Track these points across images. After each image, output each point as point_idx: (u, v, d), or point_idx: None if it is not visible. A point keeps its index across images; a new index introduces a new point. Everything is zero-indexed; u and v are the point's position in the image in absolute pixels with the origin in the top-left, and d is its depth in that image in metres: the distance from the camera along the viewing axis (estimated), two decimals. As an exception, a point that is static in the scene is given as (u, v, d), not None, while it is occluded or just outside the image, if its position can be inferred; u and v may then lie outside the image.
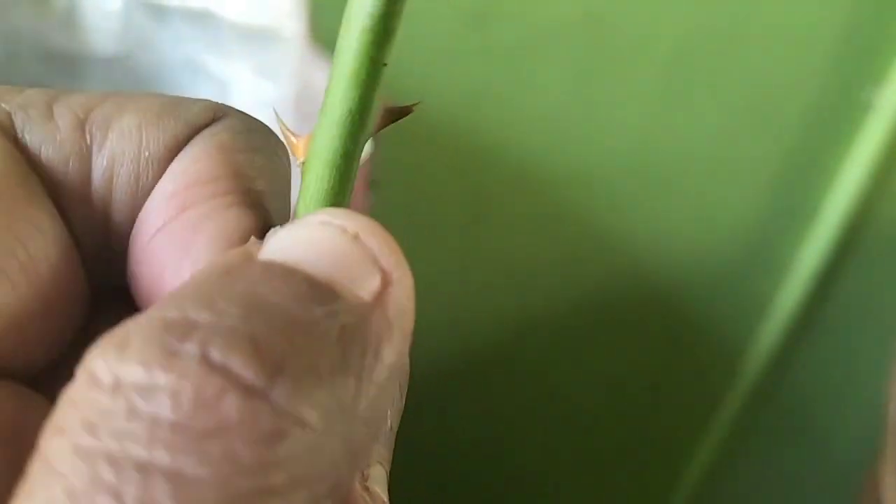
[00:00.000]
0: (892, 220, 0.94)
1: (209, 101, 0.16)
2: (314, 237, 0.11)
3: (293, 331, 0.09)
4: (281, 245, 0.11)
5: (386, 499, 0.12)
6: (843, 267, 0.96)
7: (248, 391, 0.08)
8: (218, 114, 0.16)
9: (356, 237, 0.11)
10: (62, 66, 0.51)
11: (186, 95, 0.49)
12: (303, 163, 0.14)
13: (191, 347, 0.09)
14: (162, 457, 0.08)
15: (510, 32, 0.64)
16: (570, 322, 0.90)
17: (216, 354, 0.09)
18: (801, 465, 1.19)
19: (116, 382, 0.09)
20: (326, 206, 0.13)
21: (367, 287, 0.11)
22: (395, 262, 0.12)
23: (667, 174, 0.80)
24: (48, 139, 0.14)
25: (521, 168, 0.74)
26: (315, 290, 0.10)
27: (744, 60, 0.74)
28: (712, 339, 0.99)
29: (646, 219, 0.83)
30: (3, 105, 0.14)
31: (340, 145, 0.13)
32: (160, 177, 0.14)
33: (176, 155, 0.15)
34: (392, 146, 0.69)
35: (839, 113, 0.83)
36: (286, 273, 0.10)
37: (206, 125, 0.16)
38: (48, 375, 0.13)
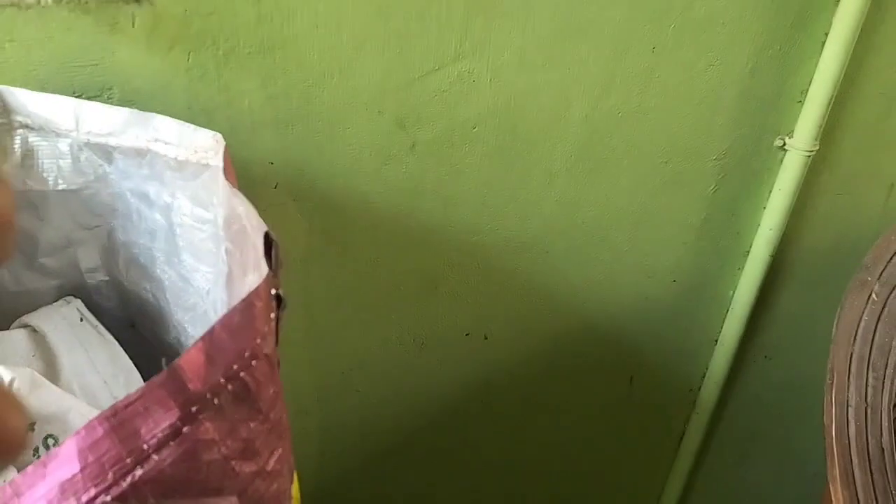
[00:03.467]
0: (814, 250, 0.96)
1: None
2: None
3: None
4: None
5: None
6: (777, 295, 0.99)
7: None
8: None
9: None
10: (24, 203, 0.54)
11: (139, 217, 0.51)
12: None
13: None
14: None
15: (431, 130, 0.67)
16: (531, 375, 0.91)
17: None
18: (770, 482, 1.19)
19: None
20: None
21: None
22: None
23: (597, 233, 0.82)
24: None
25: (464, 243, 0.77)
26: None
27: (651, 125, 0.77)
28: (669, 374, 1.01)
29: (586, 274, 0.85)
30: None
31: None
32: None
33: None
34: (348, 236, 0.71)
35: (753, 160, 0.86)
36: None
37: None
38: None
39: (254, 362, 0.37)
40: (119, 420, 0.33)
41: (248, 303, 0.37)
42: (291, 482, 0.43)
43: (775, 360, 1.05)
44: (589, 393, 0.97)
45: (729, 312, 0.97)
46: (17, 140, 0.52)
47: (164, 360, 0.57)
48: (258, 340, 0.37)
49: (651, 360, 0.98)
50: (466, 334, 0.84)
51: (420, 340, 0.82)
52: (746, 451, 1.13)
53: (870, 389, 0.77)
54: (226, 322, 0.36)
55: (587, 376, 0.95)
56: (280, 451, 0.40)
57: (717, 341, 0.99)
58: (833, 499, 0.73)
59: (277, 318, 0.41)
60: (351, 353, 0.79)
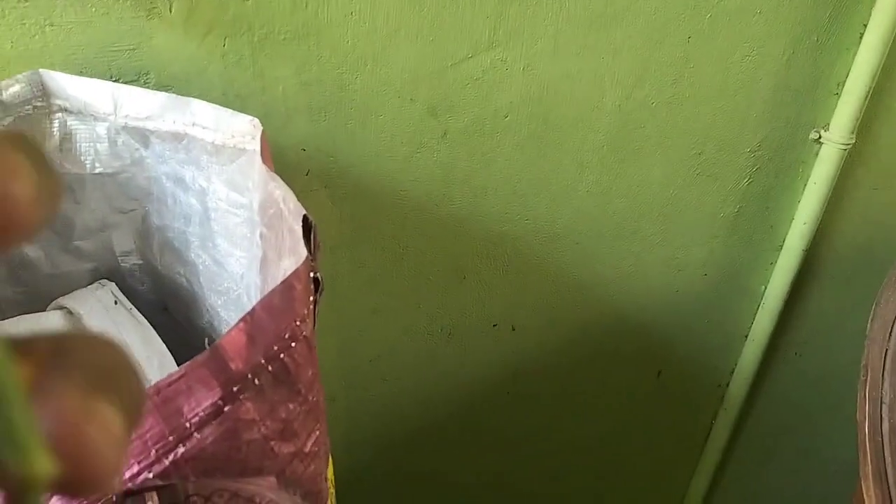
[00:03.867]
0: (848, 246, 0.95)
1: None
2: None
3: None
4: None
5: None
6: (809, 291, 0.97)
7: None
8: None
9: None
10: (65, 185, 0.55)
11: (174, 201, 0.52)
12: None
13: None
14: None
15: (463, 119, 0.67)
16: (559, 368, 0.91)
17: None
18: (798, 479, 1.18)
19: None
20: None
21: None
22: None
23: (628, 225, 0.82)
24: None
25: (494, 232, 0.76)
26: None
27: (684, 118, 0.76)
28: (698, 369, 1.00)
29: (616, 266, 0.85)
30: None
31: None
32: None
33: None
34: (378, 223, 0.71)
35: (788, 154, 0.85)
36: None
37: None
38: None
39: (293, 344, 0.37)
40: (162, 398, 0.33)
41: (287, 285, 0.37)
42: (327, 464, 0.43)
43: (805, 356, 1.04)
44: (616, 386, 0.97)
45: (760, 307, 0.96)
46: (56, 123, 0.52)
47: (206, 341, 0.57)
48: (297, 322, 0.37)
49: (680, 354, 0.97)
50: (494, 325, 0.84)
51: (447, 330, 0.82)
52: (774, 447, 1.12)
53: (905, 386, 0.76)
54: (266, 303, 0.36)
55: (615, 369, 0.95)
56: (317, 432, 0.40)
57: (747, 336, 0.98)
58: (865, 496, 0.72)
59: (315, 301, 0.41)
60: (379, 340, 0.79)
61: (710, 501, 1.15)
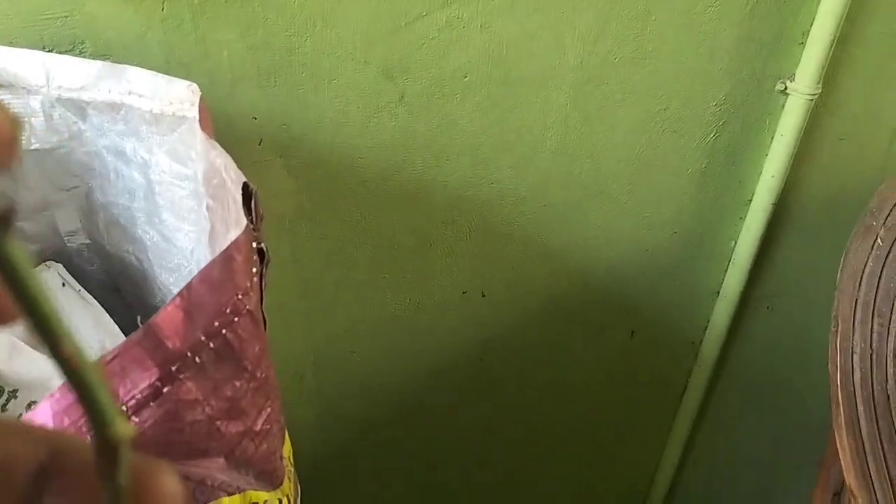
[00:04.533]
0: (817, 199, 0.94)
1: None
2: None
3: None
4: None
5: None
6: (779, 246, 0.97)
7: None
8: None
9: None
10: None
11: (116, 176, 0.49)
12: None
13: None
14: None
15: (420, 80, 0.65)
16: (531, 330, 0.90)
17: None
18: (774, 431, 1.19)
19: None
20: None
21: None
22: None
23: (596, 184, 0.80)
24: None
25: (458, 196, 0.74)
26: None
27: (649, 71, 0.74)
28: (671, 326, 1.00)
29: (585, 226, 0.83)
30: None
31: None
32: None
33: None
34: (337, 192, 0.69)
35: (755, 106, 0.83)
36: None
37: None
38: None
39: (236, 319, 0.35)
40: (94, 381, 0.31)
41: (227, 256, 0.35)
42: (282, 443, 0.41)
43: (777, 311, 1.04)
44: (589, 348, 0.96)
45: (730, 263, 0.95)
46: (-15, 98, 0.49)
47: (139, 318, 0.55)
48: (240, 296, 0.35)
49: (652, 313, 0.96)
50: (463, 292, 0.82)
51: (416, 300, 0.80)
52: (749, 402, 1.12)
53: (875, 336, 0.76)
54: (204, 277, 0.34)
55: (588, 331, 0.94)
56: (269, 410, 0.38)
57: (718, 293, 0.98)
58: (839, 447, 0.72)
59: (261, 274, 0.39)
60: (345, 314, 0.78)
61: (687, 458, 1.16)
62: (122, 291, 0.59)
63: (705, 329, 1.01)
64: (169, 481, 0.16)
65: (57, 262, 0.55)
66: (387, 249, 0.75)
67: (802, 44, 0.81)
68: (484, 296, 0.84)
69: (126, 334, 0.53)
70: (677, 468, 1.14)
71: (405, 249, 0.76)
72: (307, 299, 0.75)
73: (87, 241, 0.57)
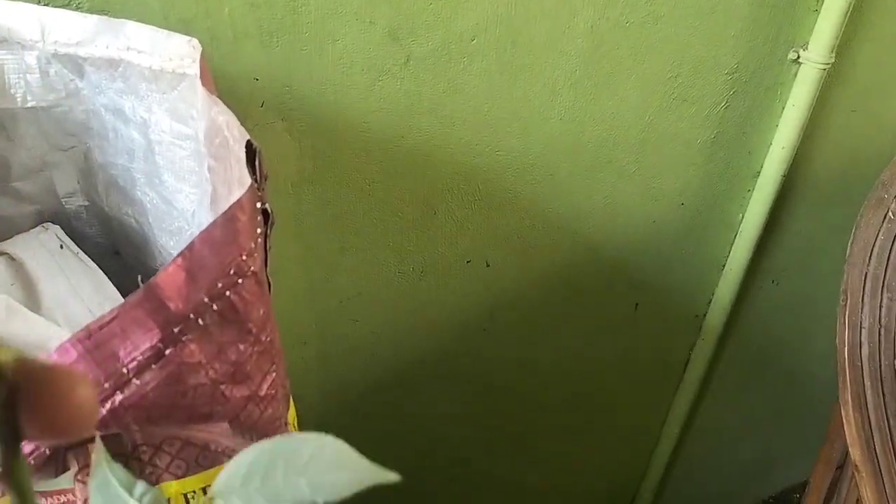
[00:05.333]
0: (826, 171, 0.93)
1: None
2: None
3: None
4: None
5: None
6: (786, 219, 0.96)
7: None
8: None
9: None
10: (-4, 124, 0.51)
11: (115, 136, 0.48)
12: None
13: None
14: None
15: (427, 42, 0.63)
16: (535, 300, 0.89)
17: None
18: (776, 405, 1.19)
19: None
20: None
21: None
22: None
23: (603, 153, 0.78)
24: None
25: (464, 164, 0.73)
26: None
27: (661, 36, 0.72)
28: (676, 298, 0.99)
29: (591, 196, 0.82)
30: None
31: None
32: None
33: None
34: (341, 157, 0.68)
35: (766, 75, 0.81)
36: None
37: None
38: None
39: (240, 280, 0.34)
40: (94, 342, 0.30)
41: (230, 216, 0.34)
42: (287, 408, 0.40)
43: (783, 284, 1.03)
44: (593, 320, 0.95)
45: (737, 236, 0.94)
46: (-21, 52, 0.48)
47: (139, 279, 0.54)
48: (243, 257, 0.34)
49: (657, 285, 0.95)
50: (468, 261, 0.81)
51: (420, 268, 0.79)
52: (752, 376, 1.12)
53: (884, 310, 0.75)
54: (206, 237, 0.33)
55: (591, 302, 0.93)
56: (273, 374, 0.37)
57: (724, 266, 0.97)
58: (844, 422, 0.72)
59: (265, 235, 0.38)
60: (349, 281, 0.77)
61: (687, 432, 1.15)
62: (122, 255, 0.58)
63: (710, 302, 1.00)
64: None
65: (55, 223, 0.54)
66: (391, 216, 0.73)
67: (817, 11, 0.79)
68: (488, 265, 0.83)
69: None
70: (678, 440, 1.14)
71: (409, 216, 0.75)
72: (309, 265, 0.73)
73: (86, 203, 0.55)
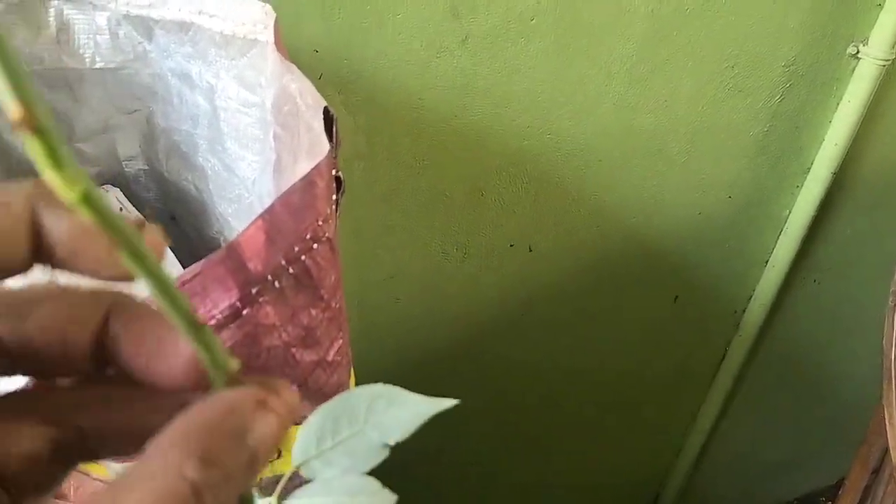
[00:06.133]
0: (877, 170, 0.92)
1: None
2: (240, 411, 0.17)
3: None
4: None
5: None
6: (833, 217, 0.94)
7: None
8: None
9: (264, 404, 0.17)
10: (60, 83, 0.51)
11: (180, 101, 0.48)
12: None
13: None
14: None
15: (486, 20, 0.63)
16: (575, 287, 0.89)
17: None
18: (807, 406, 1.18)
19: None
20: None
21: (269, 430, 0.17)
22: (284, 414, 0.18)
23: (653, 142, 0.78)
24: None
25: (514, 146, 0.73)
26: (250, 443, 0.17)
27: (720, 25, 0.72)
28: (715, 293, 0.98)
29: (638, 185, 0.81)
30: None
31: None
32: None
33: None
34: (394, 133, 0.68)
35: (824, 70, 0.80)
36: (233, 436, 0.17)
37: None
38: None
39: (315, 245, 0.34)
40: (175, 298, 0.31)
41: (309, 181, 0.34)
42: (349, 376, 0.41)
43: (825, 284, 1.02)
44: (632, 310, 0.95)
45: (782, 233, 0.93)
46: (52, 12, 0.48)
47: (221, 240, 0.54)
48: (320, 222, 0.34)
49: (698, 278, 0.95)
50: (511, 245, 0.81)
51: (463, 249, 0.79)
52: (787, 375, 1.11)
53: (934, 312, 0.74)
54: (286, 200, 0.33)
55: (632, 293, 0.93)
56: (340, 341, 0.37)
57: (767, 262, 0.96)
58: (888, 424, 0.71)
59: (337, 202, 0.38)
60: (392, 259, 0.77)
61: (719, 427, 1.15)
62: (179, 220, 0.58)
63: (750, 298, 1.00)
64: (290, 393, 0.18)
65: (115, 186, 0.55)
66: (439, 196, 0.73)
67: (880, 6, 0.78)
68: (531, 250, 0.82)
69: (182, 263, 0.52)
70: (708, 435, 1.13)
71: (457, 197, 0.75)
72: (355, 241, 0.74)
73: (146, 167, 0.56)
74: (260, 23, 0.44)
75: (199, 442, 0.17)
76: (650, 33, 0.69)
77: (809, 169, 0.88)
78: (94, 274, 0.17)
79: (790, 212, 0.91)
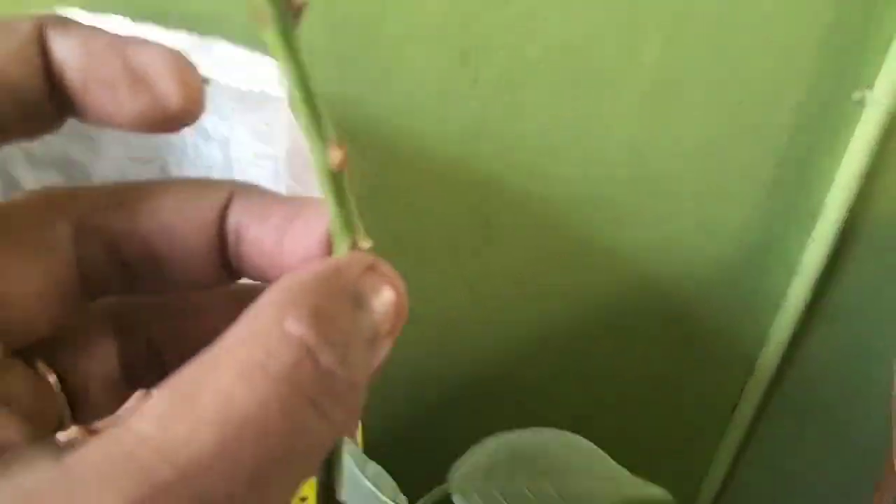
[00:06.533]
0: (889, 213, 0.92)
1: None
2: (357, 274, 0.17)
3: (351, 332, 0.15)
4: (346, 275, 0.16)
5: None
6: (846, 260, 0.94)
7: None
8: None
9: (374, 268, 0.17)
10: (80, 134, 0.53)
11: (195, 152, 0.50)
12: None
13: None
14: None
15: (496, 66, 0.64)
16: (585, 331, 0.89)
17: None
18: (822, 451, 1.16)
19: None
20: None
21: (384, 300, 0.17)
22: (397, 285, 0.17)
23: (663, 184, 0.79)
24: None
25: (523, 190, 0.74)
26: (363, 309, 0.16)
27: (728, 70, 0.73)
28: (728, 337, 0.98)
29: (648, 228, 0.82)
30: None
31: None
32: None
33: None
34: (403, 179, 0.69)
35: (831, 113, 0.81)
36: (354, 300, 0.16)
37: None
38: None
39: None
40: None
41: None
42: (356, 430, 0.41)
43: (839, 328, 1.01)
44: (642, 352, 0.95)
45: (795, 276, 0.93)
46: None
47: None
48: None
49: (709, 321, 0.95)
50: (520, 289, 0.81)
51: (473, 291, 0.80)
52: (804, 421, 1.10)
53: (949, 359, 0.73)
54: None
55: (641, 334, 0.93)
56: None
57: (780, 306, 0.96)
58: (902, 472, 0.70)
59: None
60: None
61: (734, 474, 1.13)
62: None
63: (763, 343, 0.99)
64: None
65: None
66: (446, 237, 0.74)
67: (886, 52, 0.79)
68: (540, 294, 0.83)
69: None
70: (722, 484, 1.12)
71: (465, 239, 0.76)
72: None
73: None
74: (274, 79, 0.45)
75: (306, 295, 0.14)
76: (658, 78, 0.70)
77: (820, 212, 0.88)
78: (107, 109, 0.16)
79: (803, 255, 0.91)
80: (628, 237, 0.82)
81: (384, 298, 0.17)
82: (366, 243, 0.17)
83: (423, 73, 0.62)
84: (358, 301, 0.16)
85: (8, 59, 0.15)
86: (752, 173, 0.82)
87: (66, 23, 0.16)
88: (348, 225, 0.16)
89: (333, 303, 0.15)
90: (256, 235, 0.17)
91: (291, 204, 0.18)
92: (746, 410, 1.04)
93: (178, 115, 0.16)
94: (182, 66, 0.16)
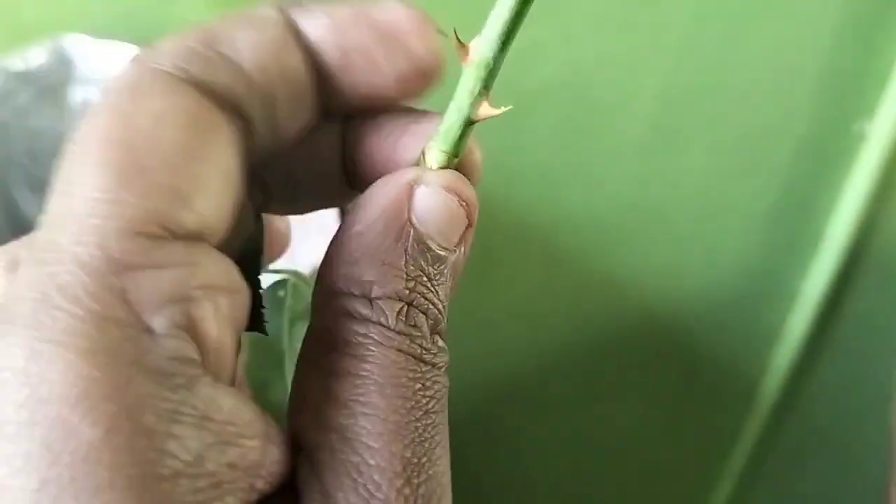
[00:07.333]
0: (889, 244, 0.92)
1: None
2: (443, 206, 0.18)
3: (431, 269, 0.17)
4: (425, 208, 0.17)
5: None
6: (847, 291, 0.95)
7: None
8: None
9: (462, 204, 0.18)
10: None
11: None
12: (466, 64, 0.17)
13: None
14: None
15: (497, 97, 0.65)
16: (584, 364, 0.89)
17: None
18: (823, 485, 1.16)
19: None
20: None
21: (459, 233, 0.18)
22: (475, 214, 0.18)
23: (664, 215, 0.79)
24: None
25: (524, 221, 0.75)
26: (444, 244, 0.18)
27: (729, 102, 0.74)
28: (727, 369, 0.98)
29: (647, 259, 0.83)
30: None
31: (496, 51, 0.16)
32: None
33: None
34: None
35: (832, 145, 0.82)
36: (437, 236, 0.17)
37: None
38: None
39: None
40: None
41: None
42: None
43: (842, 360, 1.02)
44: (641, 384, 0.95)
45: (797, 309, 0.93)
46: (78, 93, 0.51)
47: None
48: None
49: (710, 353, 0.95)
50: (519, 320, 0.82)
51: (471, 321, 0.80)
52: (806, 454, 1.09)
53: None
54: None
55: (641, 366, 0.93)
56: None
57: (781, 338, 0.96)
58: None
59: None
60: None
61: (744, 497, 1.13)
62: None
63: (765, 374, 0.99)
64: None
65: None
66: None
67: (885, 85, 0.80)
68: (540, 325, 0.83)
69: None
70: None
71: (466, 270, 0.76)
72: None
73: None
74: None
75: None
76: (659, 111, 0.71)
77: (822, 245, 0.89)
78: (367, 78, 0.16)
79: (804, 286, 0.92)
80: (628, 268, 0.82)
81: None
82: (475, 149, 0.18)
83: (425, 105, 0.63)
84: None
85: (275, 49, 0.15)
86: (752, 206, 0.83)
87: (299, 3, 0.16)
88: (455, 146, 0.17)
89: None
90: (371, 145, 0.18)
91: (407, 115, 0.19)
92: (747, 441, 1.04)
93: (430, 72, 0.17)
94: (425, 21, 0.17)
